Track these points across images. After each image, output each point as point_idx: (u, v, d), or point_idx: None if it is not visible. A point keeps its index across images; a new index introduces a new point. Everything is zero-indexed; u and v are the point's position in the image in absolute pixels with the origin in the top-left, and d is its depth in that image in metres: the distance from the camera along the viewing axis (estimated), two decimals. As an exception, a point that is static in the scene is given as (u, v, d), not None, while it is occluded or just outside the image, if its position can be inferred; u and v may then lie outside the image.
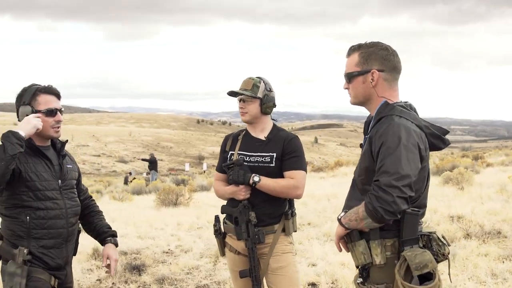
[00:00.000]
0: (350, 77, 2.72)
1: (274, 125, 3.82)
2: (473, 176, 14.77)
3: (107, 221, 3.69)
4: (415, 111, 2.69)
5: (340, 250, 2.77)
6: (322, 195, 14.04)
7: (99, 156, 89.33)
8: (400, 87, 2.70)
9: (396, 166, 2.40)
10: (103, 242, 3.56)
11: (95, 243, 8.39)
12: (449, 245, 2.65)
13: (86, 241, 8.63)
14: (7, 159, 2.88)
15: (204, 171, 48.12)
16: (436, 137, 2.67)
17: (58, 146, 3.37)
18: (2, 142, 2.93)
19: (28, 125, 3.06)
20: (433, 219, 8.96)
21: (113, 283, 6.46)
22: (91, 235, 3.66)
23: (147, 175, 32.34)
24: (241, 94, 3.70)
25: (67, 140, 3.42)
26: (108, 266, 3.49)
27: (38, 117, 3.15)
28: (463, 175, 13.99)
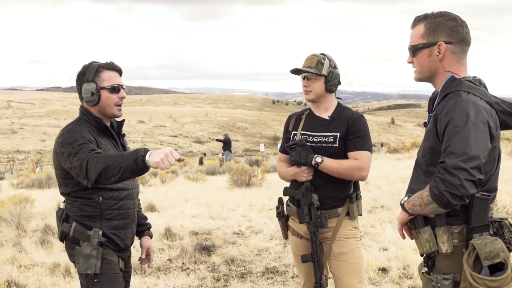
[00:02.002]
0: (414, 50, 2.52)
1: (339, 104, 3.66)
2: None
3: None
4: (484, 86, 2.47)
5: (404, 237, 2.60)
6: (396, 177, 13.68)
7: (176, 136, 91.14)
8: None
9: (464, 146, 2.20)
10: (140, 234, 3.49)
11: (167, 222, 8.56)
12: (523, 233, 2.44)
13: (158, 221, 8.82)
14: (119, 174, 2.69)
15: (279, 152, 48.17)
16: (507, 114, 2.44)
17: (115, 126, 3.30)
18: (128, 156, 2.67)
19: (163, 160, 2.59)
20: (514, 203, 8.50)
21: (183, 263, 6.52)
22: None
23: (222, 155, 32.72)
24: (305, 72, 3.56)
25: (123, 120, 3.34)
26: (146, 258, 3.50)
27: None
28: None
